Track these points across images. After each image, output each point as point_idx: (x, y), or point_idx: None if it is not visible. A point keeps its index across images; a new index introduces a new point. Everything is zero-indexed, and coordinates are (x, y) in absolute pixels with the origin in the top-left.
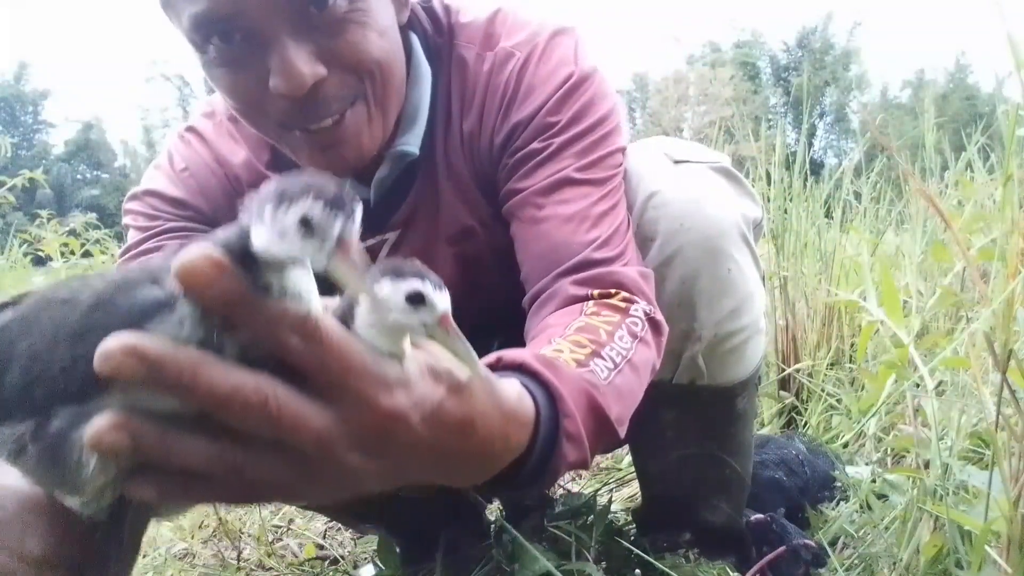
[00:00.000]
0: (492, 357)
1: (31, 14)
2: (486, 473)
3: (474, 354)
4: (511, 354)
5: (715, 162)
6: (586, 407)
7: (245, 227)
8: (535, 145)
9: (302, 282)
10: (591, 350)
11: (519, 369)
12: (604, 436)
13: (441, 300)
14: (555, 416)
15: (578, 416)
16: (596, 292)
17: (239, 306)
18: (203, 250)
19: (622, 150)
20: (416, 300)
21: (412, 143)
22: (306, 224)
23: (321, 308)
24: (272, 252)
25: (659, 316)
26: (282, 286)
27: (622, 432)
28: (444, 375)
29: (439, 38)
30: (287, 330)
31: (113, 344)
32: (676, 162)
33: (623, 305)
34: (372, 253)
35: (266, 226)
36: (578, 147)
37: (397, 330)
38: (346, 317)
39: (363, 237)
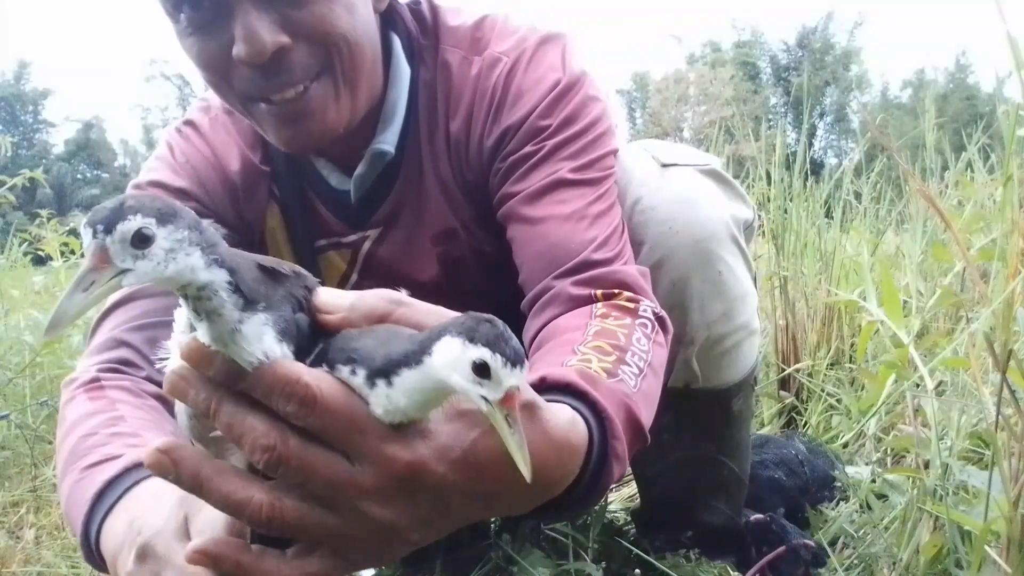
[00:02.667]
0: (535, 376)
1: (31, 14)
2: (538, 502)
3: (526, 449)
4: (555, 373)
5: (704, 164)
6: (626, 421)
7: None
8: (528, 148)
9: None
10: (616, 356)
11: (565, 389)
12: (637, 444)
13: (511, 377)
14: (604, 438)
15: (623, 435)
16: (600, 292)
17: (236, 381)
18: (189, 340)
19: (615, 152)
20: (482, 372)
21: (388, 141)
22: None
23: (312, 372)
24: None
25: (664, 314)
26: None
27: (648, 433)
28: (478, 417)
29: (424, 39)
30: (283, 399)
31: (155, 442)
32: (664, 165)
33: (631, 305)
34: (353, 249)
35: None
36: (571, 149)
37: (445, 392)
38: (390, 370)
39: (344, 232)
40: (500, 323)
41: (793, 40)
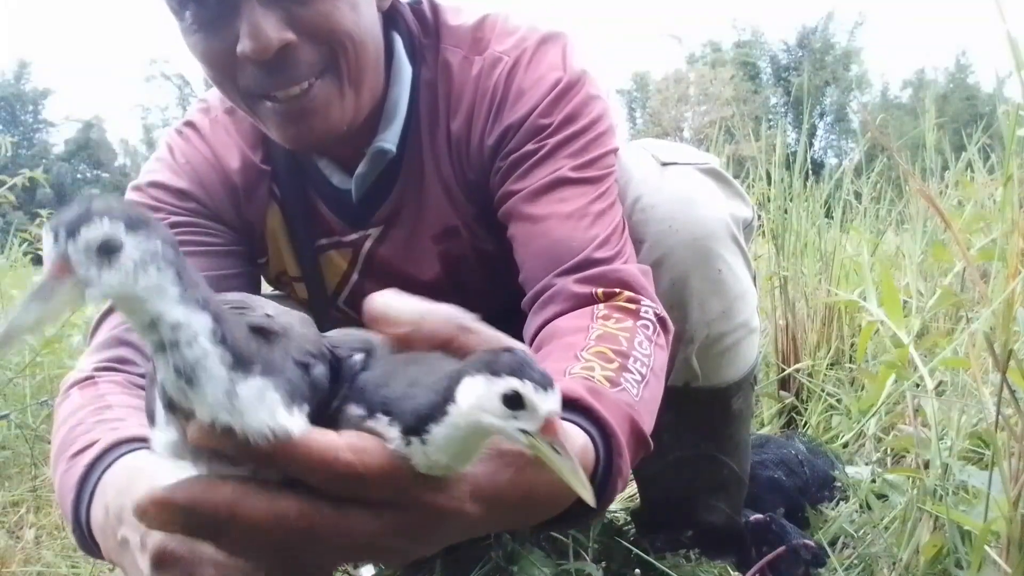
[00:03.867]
0: None
1: (31, 14)
2: (541, 520)
3: (580, 471)
4: (564, 387)
5: (703, 163)
6: (630, 433)
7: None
8: (529, 147)
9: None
10: (619, 364)
11: (573, 404)
12: (640, 453)
13: (545, 401)
14: (608, 455)
15: (626, 449)
16: (601, 292)
17: (274, 463)
18: (193, 424)
19: (615, 151)
20: (514, 403)
21: (390, 140)
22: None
23: (349, 443)
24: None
25: (665, 314)
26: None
27: (650, 440)
28: (511, 457)
29: (426, 39)
30: (322, 479)
31: (143, 499)
32: (664, 164)
33: (632, 307)
34: (354, 248)
35: None
36: (573, 147)
37: (482, 435)
38: (420, 427)
39: (345, 232)
40: (519, 350)
41: (793, 40)
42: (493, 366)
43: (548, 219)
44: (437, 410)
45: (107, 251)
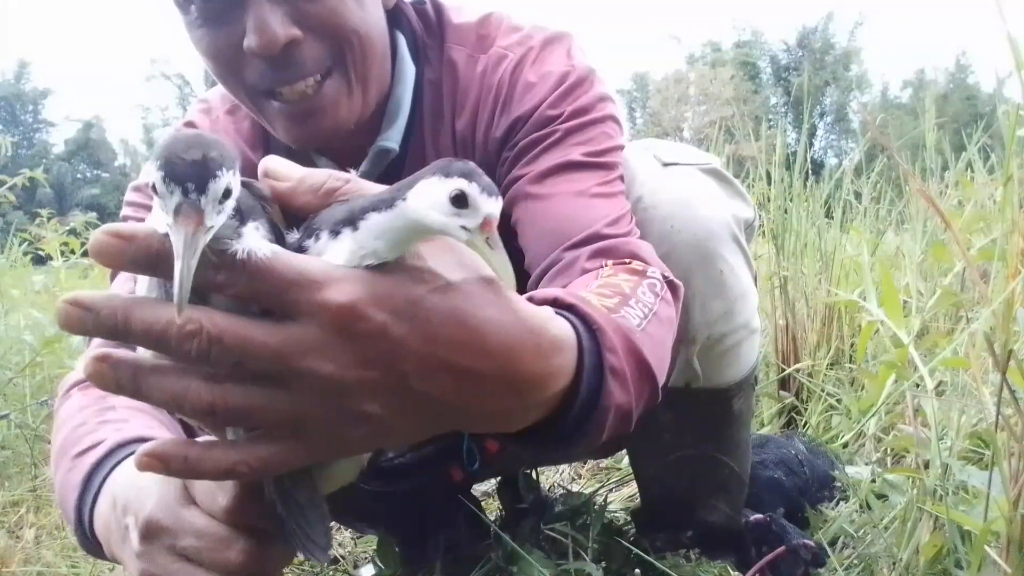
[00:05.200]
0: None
1: (31, 14)
2: (528, 405)
3: (510, 268)
4: (540, 292)
5: (705, 163)
6: (626, 348)
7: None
8: (537, 135)
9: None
10: (619, 300)
11: (552, 304)
12: (644, 384)
13: (488, 204)
14: (597, 350)
15: (623, 361)
16: (611, 261)
17: (158, 266)
18: (108, 227)
19: (622, 148)
20: (460, 202)
21: (392, 139)
22: (155, 190)
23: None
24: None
25: (677, 281)
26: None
27: (660, 383)
28: (427, 275)
29: (429, 38)
30: (213, 270)
31: (61, 299)
32: (665, 164)
33: (640, 268)
34: None
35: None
36: (582, 136)
37: (423, 234)
38: (355, 218)
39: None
40: (472, 163)
41: (793, 40)
42: (447, 169)
43: (555, 197)
44: (383, 204)
45: (225, 197)
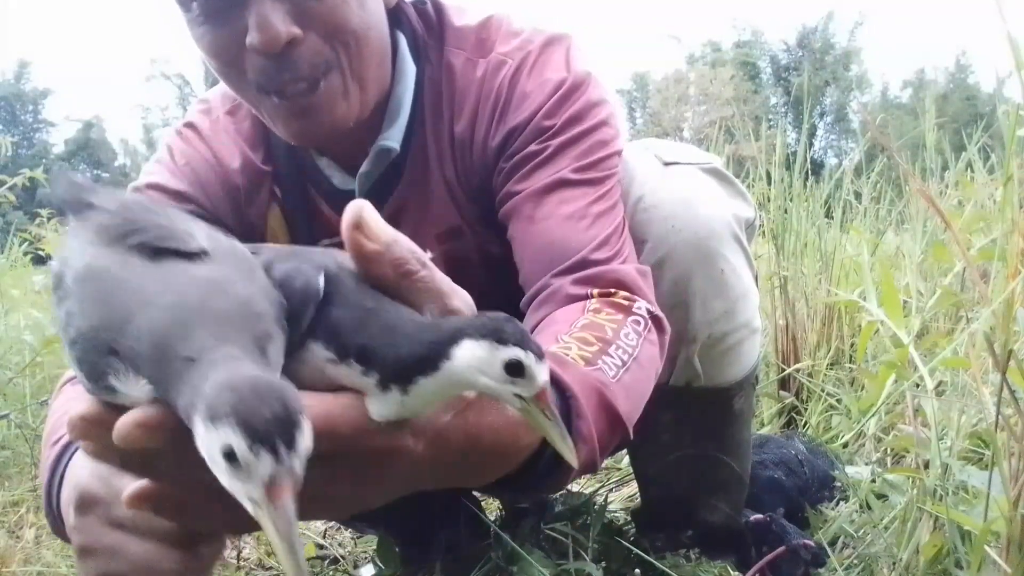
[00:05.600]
0: None
1: (31, 14)
2: (494, 476)
3: (568, 436)
4: None
5: (706, 163)
6: (597, 405)
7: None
8: (532, 148)
9: None
10: (598, 348)
11: None
12: (615, 434)
13: (542, 373)
14: (567, 415)
15: (590, 416)
16: (596, 291)
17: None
18: (135, 414)
19: (619, 153)
20: (515, 371)
21: (393, 138)
22: (231, 457)
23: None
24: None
25: (661, 314)
26: None
27: (631, 429)
28: (455, 401)
29: (429, 39)
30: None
31: (73, 416)
32: (666, 164)
33: (625, 303)
34: None
35: (200, 435)
36: (576, 150)
37: (463, 390)
38: (406, 377)
39: None
40: (518, 321)
41: (793, 40)
42: (500, 334)
43: (547, 220)
44: (428, 365)
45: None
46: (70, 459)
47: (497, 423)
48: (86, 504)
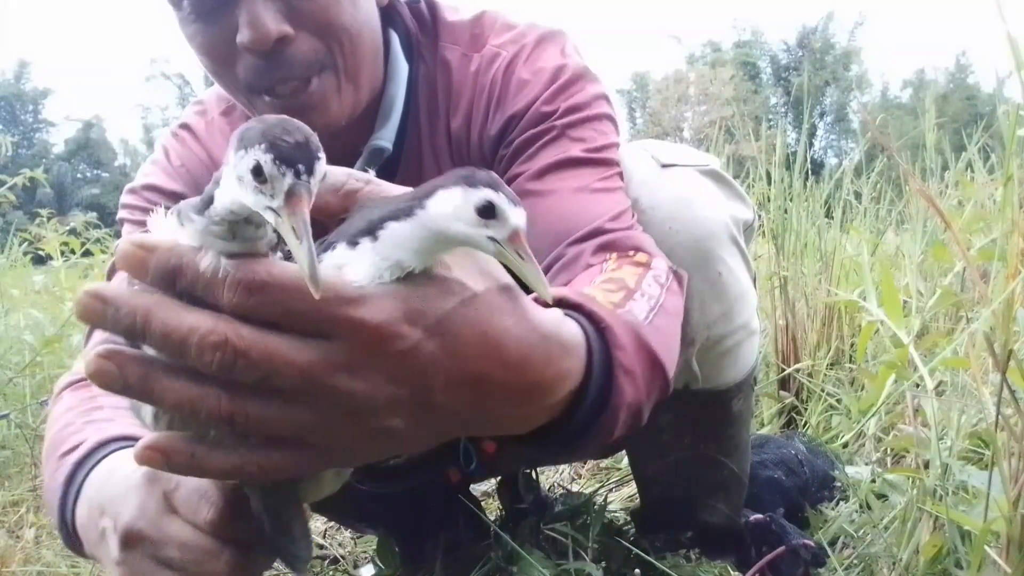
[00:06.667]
0: (531, 295)
1: (31, 14)
2: (538, 409)
3: (544, 279)
4: (554, 291)
5: (703, 165)
6: (634, 344)
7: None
8: (534, 131)
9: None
10: (624, 294)
11: (559, 304)
12: (655, 379)
13: (516, 215)
14: (605, 349)
15: (633, 357)
16: (615, 255)
17: (175, 280)
18: (133, 238)
19: (618, 147)
20: (487, 212)
21: (386, 138)
22: (258, 173)
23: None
24: (224, 204)
25: (682, 272)
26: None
27: (671, 377)
28: (455, 286)
29: (423, 37)
30: (228, 289)
31: (82, 289)
32: (664, 166)
33: (644, 259)
34: None
35: (229, 176)
36: (579, 133)
37: (446, 244)
38: (375, 227)
39: None
40: (494, 174)
41: (793, 40)
42: (471, 180)
43: (556, 194)
44: (402, 213)
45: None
46: (87, 476)
47: (520, 332)
48: (133, 541)
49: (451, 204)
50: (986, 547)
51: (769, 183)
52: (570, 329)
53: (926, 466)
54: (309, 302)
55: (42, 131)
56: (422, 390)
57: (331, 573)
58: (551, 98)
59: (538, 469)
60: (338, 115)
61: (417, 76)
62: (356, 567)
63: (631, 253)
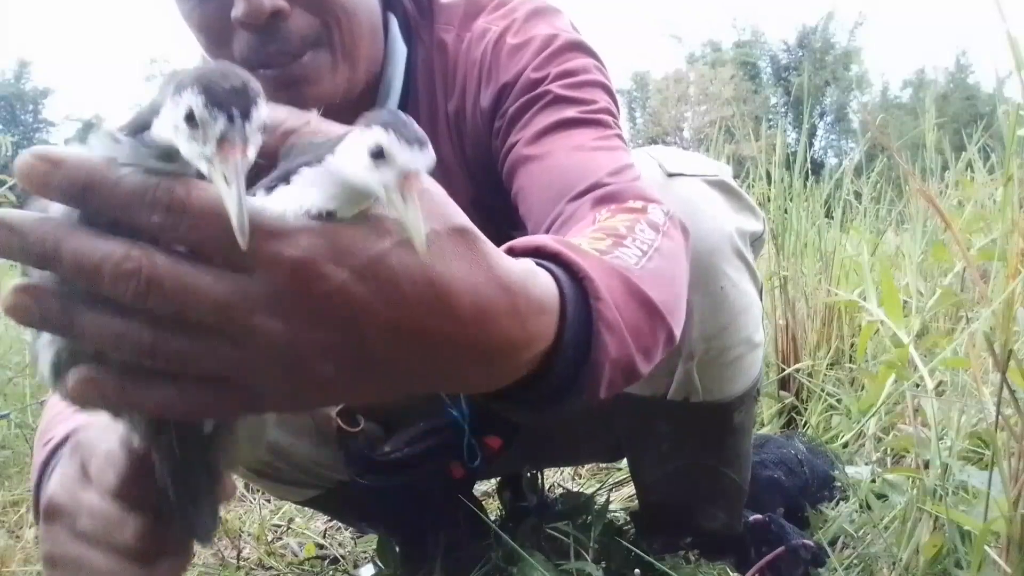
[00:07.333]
0: (503, 247)
1: (31, 14)
2: (503, 370)
3: (422, 224)
4: (521, 240)
5: (712, 175)
6: (622, 291)
7: (156, 107)
8: (527, 97)
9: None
10: (611, 242)
11: (535, 254)
12: (654, 325)
13: (406, 157)
14: (584, 301)
15: (612, 300)
16: (613, 206)
17: (86, 197)
18: (36, 150)
19: (617, 115)
20: (380, 155)
21: None
22: (191, 119)
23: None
24: (162, 137)
25: (685, 222)
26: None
27: (677, 323)
28: (393, 226)
29: (420, 19)
30: (148, 209)
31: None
32: (670, 175)
33: (639, 206)
34: None
35: (164, 114)
36: (573, 94)
37: (355, 193)
38: (289, 173)
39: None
40: (406, 116)
41: (793, 40)
42: (367, 120)
43: (552, 154)
44: (313, 160)
45: (261, 128)
46: (60, 461)
47: (476, 281)
48: (53, 513)
49: (351, 148)
50: (986, 547)
51: (769, 183)
52: (542, 282)
53: (926, 466)
54: (224, 229)
55: (42, 131)
56: (350, 337)
57: (331, 573)
58: (542, 64)
59: (539, 469)
60: (331, 91)
61: (415, 59)
62: (356, 567)
63: (628, 203)
